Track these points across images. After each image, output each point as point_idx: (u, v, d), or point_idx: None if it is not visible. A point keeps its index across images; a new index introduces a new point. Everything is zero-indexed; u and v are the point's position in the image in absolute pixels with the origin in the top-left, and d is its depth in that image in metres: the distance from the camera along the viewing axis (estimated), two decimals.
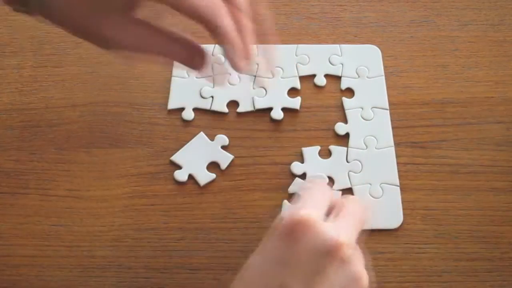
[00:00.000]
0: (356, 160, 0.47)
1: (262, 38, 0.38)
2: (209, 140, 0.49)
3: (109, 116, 0.50)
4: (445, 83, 0.52)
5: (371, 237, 0.44)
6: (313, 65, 0.52)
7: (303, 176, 0.47)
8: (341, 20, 0.55)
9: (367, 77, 0.52)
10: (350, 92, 0.51)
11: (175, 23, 0.37)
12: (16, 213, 0.46)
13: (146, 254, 0.44)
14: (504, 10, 0.56)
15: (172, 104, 0.50)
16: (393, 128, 0.49)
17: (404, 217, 0.45)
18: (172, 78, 0.52)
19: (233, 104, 0.51)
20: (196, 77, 0.51)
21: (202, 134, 0.49)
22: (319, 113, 0.50)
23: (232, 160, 0.48)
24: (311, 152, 0.48)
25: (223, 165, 0.47)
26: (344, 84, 0.51)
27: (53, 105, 0.51)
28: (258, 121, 0.50)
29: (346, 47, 0.53)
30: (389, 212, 0.45)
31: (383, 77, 0.52)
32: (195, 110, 0.50)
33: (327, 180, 0.47)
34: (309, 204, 0.34)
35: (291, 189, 0.46)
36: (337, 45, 0.54)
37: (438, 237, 0.44)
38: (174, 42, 0.37)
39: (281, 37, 0.54)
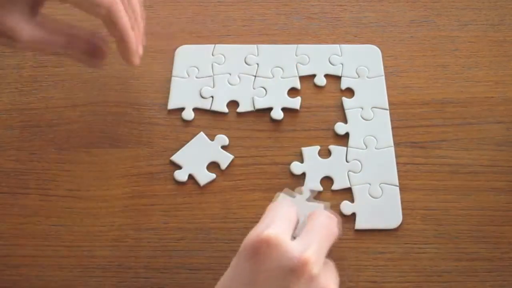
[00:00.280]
0: (356, 160, 0.47)
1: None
2: (209, 140, 0.49)
3: (109, 116, 0.50)
4: (445, 83, 0.52)
5: (371, 237, 0.44)
6: (313, 65, 0.52)
7: (302, 176, 0.47)
8: (341, 20, 0.55)
9: (367, 77, 0.52)
10: (350, 92, 0.51)
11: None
12: (16, 213, 0.46)
13: (146, 254, 0.44)
14: (504, 10, 0.56)
15: (172, 104, 0.50)
16: (393, 128, 0.49)
17: (404, 217, 0.45)
18: (172, 78, 0.52)
19: (233, 104, 0.51)
20: (196, 77, 0.52)
21: (202, 134, 0.49)
22: (319, 113, 0.50)
23: (232, 160, 0.48)
24: (310, 152, 0.48)
25: (223, 165, 0.47)
26: (344, 84, 0.51)
27: (53, 105, 0.51)
28: (258, 121, 0.50)
29: (346, 47, 0.53)
30: (388, 212, 0.45)
31: (383, 77, 0.52)
32: (195, 110, 0.50)
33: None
34: (275, 221, 0.33)
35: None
36: (337, 45, 0.54)
37: (438, 237, 0.44)
38: (73, 38, 0.40)
39: (281, 37, 0.54)
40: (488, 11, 0.56)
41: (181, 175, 0.47)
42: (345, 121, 0.50)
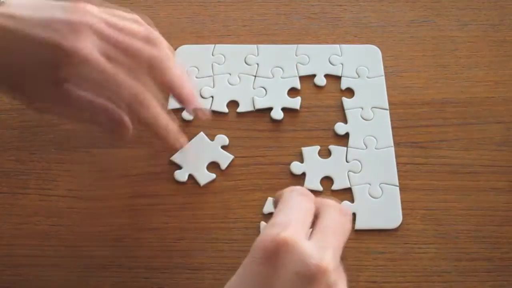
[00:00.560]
0: (356, 160, 0.47)
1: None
2: (209, 140, 0.49)
3: None
4: (445, 83, 0.52)
5: (371, 237, 0.44)
6: (313, 65, 0.52)
7: (302, 175, 0.47)
8: (341, 20, 0.55)
9: (367, 77, 0.52)
10: (350, 92, 0.51)
11: None
12: (16, 213, 0.46)
13: (146, 254, 0.44)
14: (504, 10, 0.56)
15: (172, 104, 0.50)
16: (393, 128, 0.49)
17: (404, 217, 0.45)
18: None
19: (233, 104, 0.51)
20: (196, 77, 0.52)
21: (202, 134, 0.49)
22: (319, 113, 0.50)
23: (232, 160, 0.48)
24: (310, 152, 0.48)
25: (223, 165, 0.47)
26: (344, 84, 0.51)
27: None
28: (258, 121, 0.50)
29: (346, 47, 0.53)
30: (388, 212, 0.45)
31: (383, 77, 0.52)
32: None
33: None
34: (291, 221, 0.31)
35: (265, 209, 0.45)
36: (337, 45, 0.54)
37: (438, 237, 0.44)
38: (96, 114, 0.40)
39: (281, 37, 0.54)
40: (488, 11, 0.56)
41: (181, 175, 0.47)
42: (345, 121, 0.50)
